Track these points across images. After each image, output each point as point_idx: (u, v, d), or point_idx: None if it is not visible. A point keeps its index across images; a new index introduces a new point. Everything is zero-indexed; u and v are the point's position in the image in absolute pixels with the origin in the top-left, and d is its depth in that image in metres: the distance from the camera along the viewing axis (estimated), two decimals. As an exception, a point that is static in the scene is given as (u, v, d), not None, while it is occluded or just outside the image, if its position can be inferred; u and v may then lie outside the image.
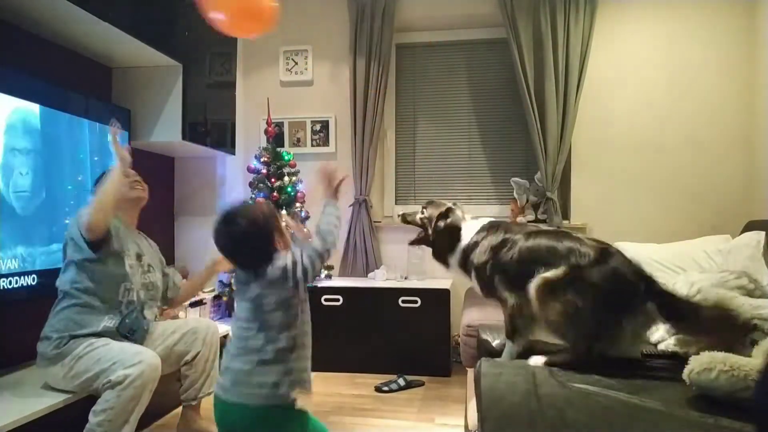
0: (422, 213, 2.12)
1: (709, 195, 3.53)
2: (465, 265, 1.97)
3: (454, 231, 2.00)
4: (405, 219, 2.18)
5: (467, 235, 1.98)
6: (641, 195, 3.62)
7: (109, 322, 2.05)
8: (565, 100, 3.55)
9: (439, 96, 4.03)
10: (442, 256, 2.03)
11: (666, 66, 3.61)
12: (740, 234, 2.88)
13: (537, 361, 1.74)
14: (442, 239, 2.01)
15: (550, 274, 1.72)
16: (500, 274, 1.85)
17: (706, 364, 1.37)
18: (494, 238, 1.90)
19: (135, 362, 1.86)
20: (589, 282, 1.68)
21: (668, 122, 3.60)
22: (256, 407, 1.48)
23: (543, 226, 2.00)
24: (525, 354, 1.82)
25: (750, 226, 2.94)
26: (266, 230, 1.53)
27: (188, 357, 2.28)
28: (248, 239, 1.51)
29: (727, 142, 3.53)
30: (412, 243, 2.15)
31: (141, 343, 2.14)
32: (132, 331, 2.12)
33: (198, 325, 2.35)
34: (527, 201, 3.72)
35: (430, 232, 2.05)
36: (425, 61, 4.05)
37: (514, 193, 3.74)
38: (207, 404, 2.42)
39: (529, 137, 3.65)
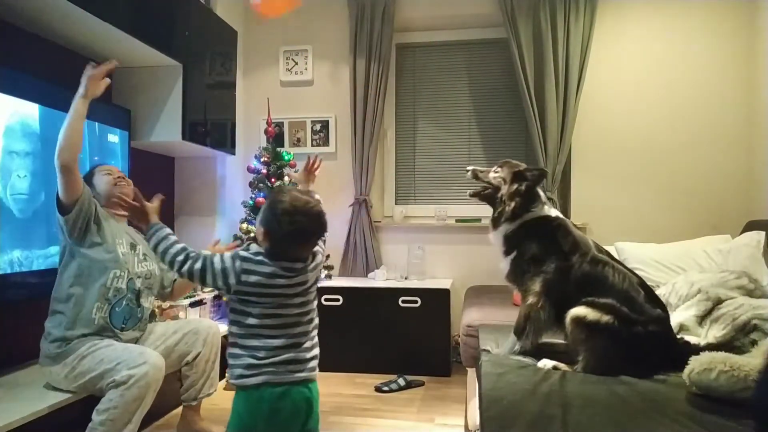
0: (496, 172, 1.98)
1: (709, 195, 3.53)
2: (514, 239, 1.87)
3: (530, 198, 1.87)
4: (476, 175, 2.02)
5: (538, 211, 1.88)
6: (641, 195, 3.62)
7: (99, 312, 2.04)
8: (565, 100, 3.55)
9: (439, 96, 4.03)
10: (500, 219, 1.91)
11: (666, 66, 3.61)
12: (740, 234, 2.89)
13: (546, 364, 1.74)
14: (512, 202, 1.88)
15: (595, 315, 1.68)
16: (543, 273, 1.80)
17: (707, 364, 1.37)
18: (565, 238, 1.82)
19: (139, 363, 1.87)
20: (629, 338, 1.66)
21: (668, 122, 3.60)
22: (314, 381, 1.57)
23: (605, 254, 1.88)
24: (535, 355, 1.80)
25: (750, 226, 2.94)
26: None
27: (189, 358, 2.28)
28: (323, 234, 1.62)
29: (727, 142, 3.53)
30: (474, 195, 2.03)
31: (139, 330, 2.18)
32: (125, 320, 2.12)
33: (199, 326, 2.34)
34: (527, 201, 3.71)
35: (502, 192, 1.91)
36: (425, 61, 4.05)
37: (514, 193, 3.73)
38: (207, 404, 2.44)
39: (529, 137, 3.65)
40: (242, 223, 3.54)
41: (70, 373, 1.95)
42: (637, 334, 1.67)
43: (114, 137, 2.79)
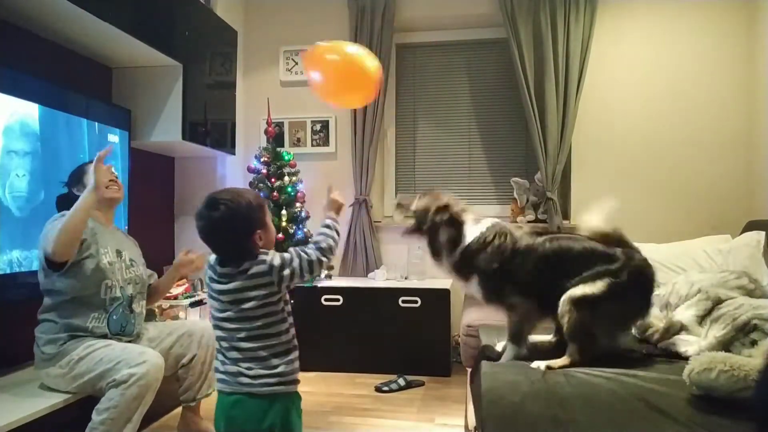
0: (416, 204, 1.96)
1: (709, 195, 3.53)
2: (463, 268, 1.86)
3: (456, 228, 1.87)
4: (400, 204, 2.03)
5: (471, 236, 1.86)
6: (641, 195, 3.62)
7: (96, 321, 2.03)
8: (565, 100, 3.55)
9: (439, 96, 4.03)
10: (437, 253, 1.90)
11: (666, 66, 3.61)
12: (740, 234, 2.89)
13: (540, 365, 1.74)
14: (439, 235, 1.88)
15: (587, 289, 1.71)
16: (512, 282, 1.81)
17: (706, 364, 1.37)
18: (505, 244, 1.83)
19: (140, 362, 1.87)
20: (624, 301, 1.71)
21: (668, 122, 3.61)
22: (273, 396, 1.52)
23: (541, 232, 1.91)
24: (527, 358, 1.81)
25: (750, 226, 2.94)
26: (248, 221, 1.49)
27: (184, 360, 2.27)
28: (227, 228, 1.47)
29: (727, 142, 3.52)
30: (406, 233, 1.98)
31: (133, 337, 2.16)
32: (122, 328, 2.11)
33: (193, 328, 2.33)
34: (527, 201, 3.72)
35: (425, 225, 1.90)
36: (425, 61, 4.05)
37: (515, 193, 3.74)
38: (207, 405, 2.43)
39: (529, 137, 3.65)
40: (242, 223, 3.53)
41: (68, 374, 1.94)
42: (630, 292, 1.72)
43: (114, 137, 2.79)
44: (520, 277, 1.80)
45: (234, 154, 3.73)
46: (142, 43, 2.65)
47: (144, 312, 2.29)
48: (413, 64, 4.06)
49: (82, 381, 1.92)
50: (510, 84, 3.79)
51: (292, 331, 1.56)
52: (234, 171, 3.91)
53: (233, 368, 1.48)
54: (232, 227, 1.47)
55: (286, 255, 1.52)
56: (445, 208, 1.89)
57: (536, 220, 3.65)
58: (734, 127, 3.52)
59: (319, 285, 3.51)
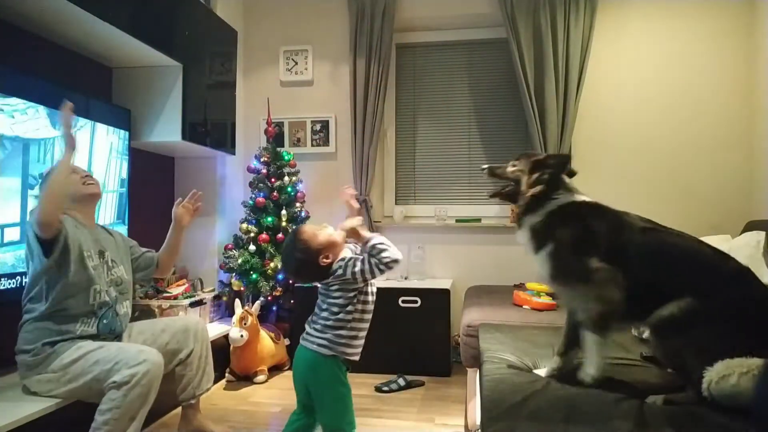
0: (514, 165, 1.77)
1: (709, 195, 3.53)
2: (544, 230, 1.63)
3: (554, 186, 1.66)
4: (493, 171, 1.81)
5: (566, 197, 1.66)
6: (641, 195, 3.62)
7: (84, 326, 2.00)
8: (565, 100, 3.55)
9: (439, 96, 4.03)
10: (522, 213, 1.70)
11: (666, 66, 3.61)
12: (740, 234, 2.89)
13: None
14: (532, 190, 1.68)
15: (675, 309, 1.44)
16: (603, 259, 1.54)
17: (723, 371, 1.32)
18: (612, 213, 1.63)
19: (140, 361, 1.85)
20: (726, 316, 1.41)
21: (668, 122, 3.61)
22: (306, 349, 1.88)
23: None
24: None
25: (750, 226, 2.94)
26: (310, 260, 1.84)
27: (182, 355, 2.26)
28: (300, 272, 1.94)
29: (727, 142, 3.53)
30: (494, 195, 1.82)
31: (120, 340, 2.13)
32: (111, 330, 2.09)
33: (188, 323, 2.33)
34: (527, 201, 3.71)
35: (523, 186, 1.70)
36: (425, 61, 4.05)
37: (514, 193, 3.73)
38: (207, 404, 2.44)
39: (529, 137, 3.65)
40: (242, 223, 3.54)
41: (61, 377, 1.89)
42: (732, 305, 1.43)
43: (114, 137, 2.78)
44: (610, 255, 1.54)
45: (234, 154, 3.73)
46: (142, 43, 2.65)
47: (129, 312, 2.25)
48: (413, 64, 4.06)
49: (77, 385, 1.88)
50: (510, 84, 3.79)
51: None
52: (234, 171, 3.91)
53: (309, 328, 1.93)
54: (304, 270, 1.91)
55: (352, 261, 1.92)
56: (544, 162, 1.70)
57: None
58: (734, 127, 3.52)
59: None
